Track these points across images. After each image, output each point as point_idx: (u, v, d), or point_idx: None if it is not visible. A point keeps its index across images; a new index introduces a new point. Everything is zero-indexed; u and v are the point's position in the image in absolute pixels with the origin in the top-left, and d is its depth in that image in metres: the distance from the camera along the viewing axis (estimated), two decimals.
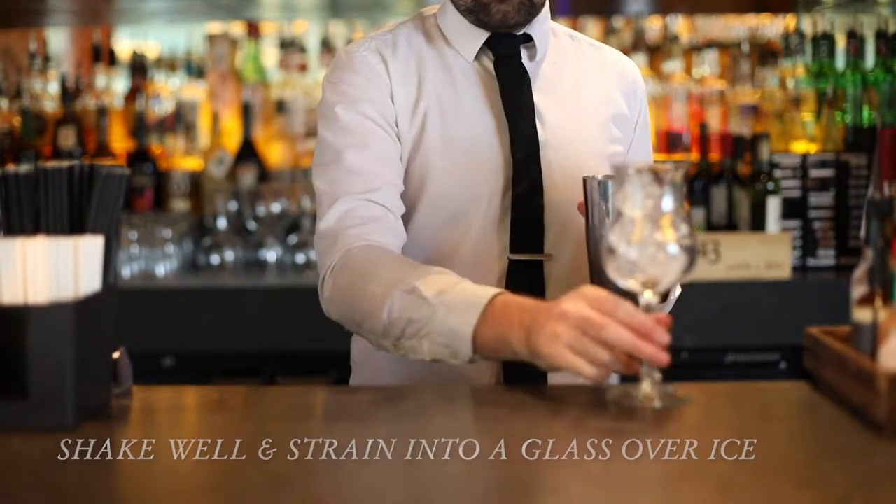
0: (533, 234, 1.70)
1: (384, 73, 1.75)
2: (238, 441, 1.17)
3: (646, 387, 1.31)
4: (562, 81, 1.82)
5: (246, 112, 3.59)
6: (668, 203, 1.30)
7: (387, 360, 1.68)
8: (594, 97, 1.84)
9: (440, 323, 1.45)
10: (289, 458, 1.11)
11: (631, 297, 1.34)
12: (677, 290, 1.78)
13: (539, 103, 1.77)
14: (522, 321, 1.39)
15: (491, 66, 1.78)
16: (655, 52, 3.83)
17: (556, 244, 1.73)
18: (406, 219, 1.71)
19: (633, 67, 1.92)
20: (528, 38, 1.79)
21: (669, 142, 3.72)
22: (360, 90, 1.73)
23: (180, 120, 3.70)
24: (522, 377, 1.59)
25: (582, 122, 1.80)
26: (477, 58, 1.78)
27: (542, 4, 1.78)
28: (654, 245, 1.29)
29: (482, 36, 1.77)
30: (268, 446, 1.16)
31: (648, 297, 1.33)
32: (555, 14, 3.66)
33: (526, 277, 1.70)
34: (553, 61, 1.83)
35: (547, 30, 1.84)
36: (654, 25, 3.86)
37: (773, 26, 3.81)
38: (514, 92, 1.75)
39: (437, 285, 1.48)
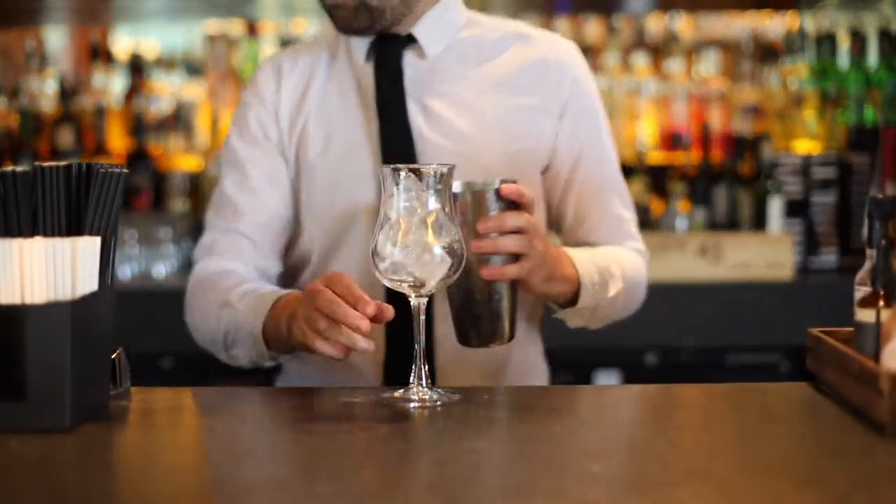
0: None
1: (274, 91, 1.81)
2: (237, 442, 1.17)
3: (417, 388, 1.33)
4: (464, 81, 1.78)
5: None
6: (432, 204, 1.30)
7: (302, 363, 1.76)
8: (500, 93, 1.78)
9: (241, 328, 1.62)
10: (288, 458, 1.10)
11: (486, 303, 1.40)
12: (616, 287, 1.72)
13: (431, 105, 1.75)
14: (287, 310, 1.51)
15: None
16: (656, 52, 3.82)
17: None
18: (297, 231, 1.79)
19: (560, 55, 1.82)
20: (413, 39, 1.77)
21: (671, 142, 3.72)
22: (252, 110, 1.82)
23: (179, 119, 3.69)
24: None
25: (481, 123, 1.76)
26: (368, 61, 1.78)
27: (383, 8, 1.71)
28: (419, 246, 1.29)
29: (367, 39, 1.77)
30: (267, 447, 1.15)
31: (415, 301, 1.34)
32: (555, 11, 3.66)
33: None
34: (459, 59, 1.79)
35: (446, 26, 1.79)
36: (655, 25, 3.86)
37: (775, 25, 3.80)
38: (386, 96, 1.74)
39: (242, 294, 1.65)
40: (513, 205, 1.48)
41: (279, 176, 1.80)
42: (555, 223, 1.85)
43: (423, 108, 1.75)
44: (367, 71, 1.78)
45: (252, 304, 1.63)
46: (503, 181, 1.50)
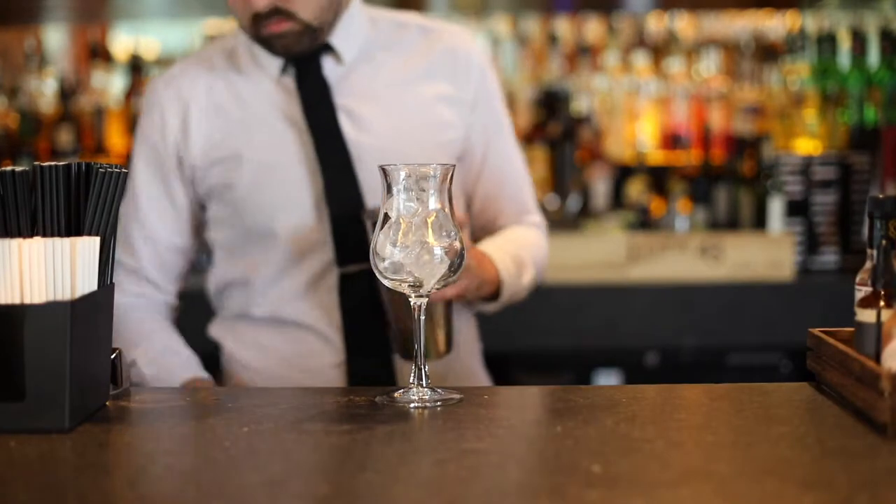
0: (359, 245, 1.70)
1: (176, 111, 1.78)
2: (237, 442, 1.17)
3: (417, 389, 1.34)
4: (380, 78, 1.79)
5: None
6: (432, 204, 1.30)
7: (248, 359, 1.81)
8: (415, 86, 1.80)
9: (145, 377, 1.70)
10: (288, 458, 1.10)
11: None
12: (529, 273, 1.78)
13: (353, 108, 1.76)
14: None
15: (294, 83, 1.77)
16: (657, 51, 3.82)
17: None
18: (233, 246, 1.80)
19: (466, 46, 1.85)
20: (330, 47, 1.77)
21: (671, 142, 3.72)
22: (151, 136, 1.80)
23: None
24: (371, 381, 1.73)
25: (403, 116, 1.78)
26: (285, 71, 1.77)
27: (325, 22, 1.71)
28: (418, 246, 1.29)
29: (281, 56, 1.76)
30: (266, 447, 1.15)
31: (415, 301, 1.34)
32: (556, 10, 3.66)
33: (359, 288, 1.72)
34: (370, 58, 1.80)
35: (356, 30, 1.80)
36: (655, 24, 3.85)
37: (775, 25, 3.80)
38: (314, 107, 1.74)
39: (149, 356, 1.72)
40: None
41: (175, 202, 1.81)
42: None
43: (347, 113, 1.76)
44: (285, 84, 1.77)
45: (157, 375, 1.71)
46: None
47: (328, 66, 1.77)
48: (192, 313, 1.91)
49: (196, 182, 1.80)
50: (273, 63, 1.77)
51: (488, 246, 1.75)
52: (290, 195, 1.74)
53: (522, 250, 1.80)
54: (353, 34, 1.79)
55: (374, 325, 1.72)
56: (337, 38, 1.77)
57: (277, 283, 1.77)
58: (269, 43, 1.71)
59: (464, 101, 1.83)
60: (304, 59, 1.76)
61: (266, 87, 1.78)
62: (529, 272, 1.79)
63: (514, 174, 1.90)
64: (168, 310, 1.86)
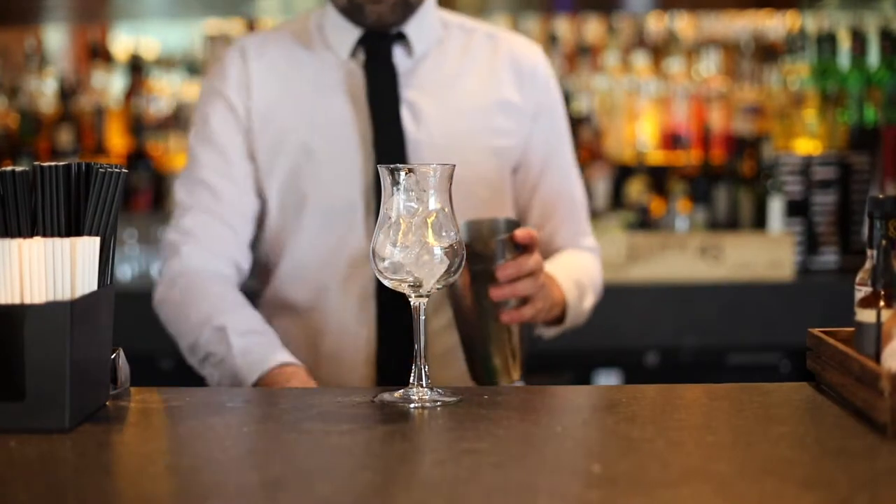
0: None
1: (243, 81, 1.77)
2: (237, 442, 1.16)
3: (417, 389, 1.33)
4: (444, 76, 1.79)
5: None
6: (433, 204, 1.30)
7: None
8: (477, 89, 1.80)
9: (231, 366, 1.62)
10: (288, 458, 1.10)
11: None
12: (590, 299, 1.78)
13: (416, 101, 1.76)
14: (283, 384, 1.56)
15: (363, 65, 1.77)
16: (657, 51, 3.82)
17: None
18: (283, 223, 1.76)
19: (532, 56, 1.85)
20: (403, 36, 1.77)
21: (671, 142, 3.71)
22: (221, 101, 1.77)
23: (179, 119, 3.69)
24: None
25: (463, 117, 1.78)
26: (354, 56, 1.77)
27: (420, 2, 1.75)
28: (418, 246, 1.29)
29: (355, 34, 1.76)
30: (266, 447, 1.15)
31: (415, 301, 1.34)
32: (556, 10, 3.66)
33: None
34: (438, 56, 1.80)
35: (429, 25, 1.80)
36: (655, 24, 3.85)
37: (775, 25, 3.80)
38: (380, 94, 1.74)
39: (240, 329, 1.64)
40: (517, 245, 1.52)
41: (251, 168, 1.77)
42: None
43: (409, 105, 1.75)
44: (352, 67, 1.77)
45: (243, 355, 1.62)
46: (508, 221, 1.57)
47: (397, 55, 1.78)
48: None
49: (254, 152, 1.77)
50: (343, 44, 1.77)
51: (553, 269, 1.72)
52: (339, 176, 1.73)
53: (583, 276, 1.78)
54: (426, 29, 1.80)
55: (408, 321, 1.70)
56: (411, 29, 1.77)
57: (315, 270, 1.75)
58: (361, 9, 1.71)
59: (525, 110, 1.82)
60: (376, 44, 1.76)
61: (332, 67, 1.78)
62: (590, 298, 1.78)
63: (572, 193, 1.87)
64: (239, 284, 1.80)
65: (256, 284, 1.86)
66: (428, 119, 1.75)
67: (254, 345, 1.63)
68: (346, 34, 1.77)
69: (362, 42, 1.77)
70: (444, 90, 1.78)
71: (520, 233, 1.51)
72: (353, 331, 1.74)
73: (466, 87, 1.80)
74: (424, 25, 1.79)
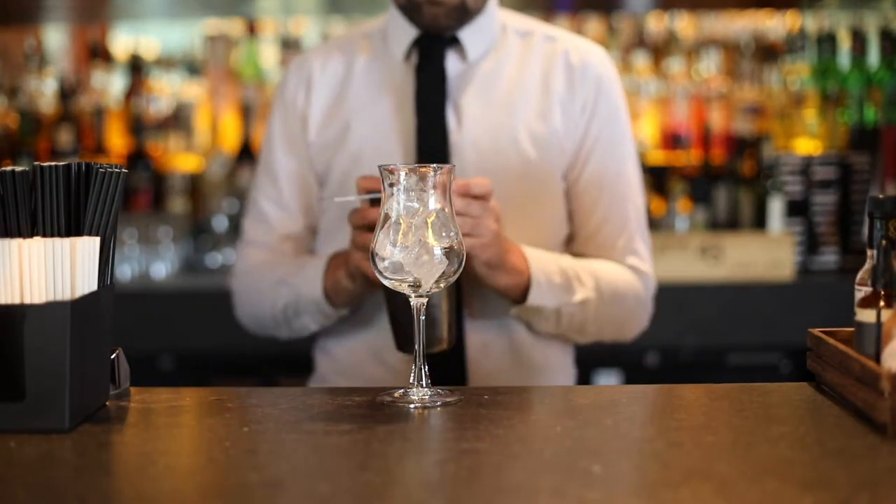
0: None
1: (304, 98, 1.82)
2: (237, 442, 1.16)
3: (417, 389, 1.33)
4: (499, 82, 1.79)
5: (245, 111, 3.58)
6: (432, 204, 1.30)
7: (343, 362, 1.82)
8: (528, 95, 1.78)
9: (302, 297, 1.75)
10: (288, 458, 1.10)
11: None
12: (584, 293, 1.71)
13: (465, 106, 1.76)
14: (340, 258, 1.69)
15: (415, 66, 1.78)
16: (657, 51, 3.82)
17: None
18: (328, 227, 1.83)
19: (588, 57, 1.81)
20: (457, 40, 1.77)
21: (671, 142, 3.71)
22: (281, 118, 1.85)
23: (179, 119, 3.69)
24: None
25: (512, 125, 1.76)
26: (408, 58, 1.78)
27: (478, 10, 1.75)
28: (418, 246, 1.29)
29: (411, 35, 1.77)
30: (266, 447, 1.15)
31: (415, 301, 1.33)
32: (556, 10, 3.66)
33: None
34: (495, 61, 1.80)
35: (487, 30, 1.80)
36: (655, 24, 3.85)
37: (775, 25, 3.80)
38: (428, 95, 1.75)
39: (293, 269, 1.78)
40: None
41: (307, 182, 1.84)
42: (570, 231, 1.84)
43: (456, 109, 1.76)
44: (404, 69, 1.78)
45: (306, 271, 1.75)
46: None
47: (451, 59, 1.78)
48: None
49: (313, 158, 1.83)
50: (400, 45, 1.79)
51: (537, 251, 1.69)
52: None
53: (586, 273, 1.71)
54: (483, 35, 1.80)
55: (456, 323, 1.70)
56: (466, 34, 1.78)
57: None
58: (419, 9, 1.71)
59: (576, 109, 1.78)
60: (429, 46, 1.77)
61: (387, 70, 1.80)
62: (586, 293, 1.70)
63: (621, 199, 1.79)
64: None
65: None
66: (472, 122, 1.76)
67: (305, 267, 1.77)
68: (403, 35, 1.78)
69: (417, 44, 1.77)
70: (493, 96, 1.78)
71: (476, 183, 1.53)
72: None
73: (516, 92, 1.78)
74: (481, 31, 1.79)
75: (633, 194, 1.83)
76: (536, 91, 1.79)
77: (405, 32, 1.78)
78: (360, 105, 1.79)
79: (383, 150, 1.75)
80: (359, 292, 1.70)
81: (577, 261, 1.74)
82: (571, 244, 1.83)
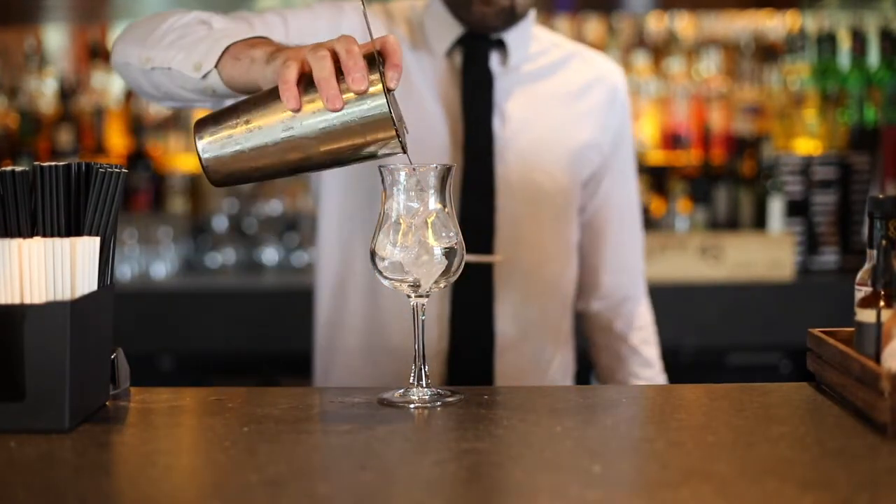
0: (482, 236, 1.71)
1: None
2: (236, 442, 1.16)
3: (417, 389, 1.33)
4: (536, 88, 1.81)
5: None
6: (432, 204, 1.30)
7: (347, 360, 1.79)
8: (568, 104, 1.82)
9: (206, 38, 1.43)
10: (288, 458, 1.10)
11: None
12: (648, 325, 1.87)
13: (507, 107, 1.77)
14: (278, 46, 1.35)
15: (459, 65, 1.78)
16: (657, 51, 3.82)
17: (508, 247, 1.73)
18: (359, 207, 1.75)
19: (618, 79, 1.89)
20: (501, 43, 1.78)
21: (671, 142, 3.71)
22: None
23: (179, 119, 3.69)
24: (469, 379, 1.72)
25: (552, 128, 1.79)
26: (449, 54, 1.78)
27: (524, 14, 1.76)
28: (418, 246, 1.29)
29: (456, 33, 1.77)
30: (266, 447, 1.15)
31: (414, 301, 1.33)
32: (556, 10, 3.66)
33: (475, 280, 1.71)
34: (531, 67, 1.82)
35: (528, 37, 1.82)
36: (655, 24, 3.85)
37: (775, 25, 3.80)
38: (475, 96, 1.75)
39: (227, 25, 1.51)
40: None
41: None
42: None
43: (500, 111, 1.77)
44: (446, 66, 1.78)
45: (236, 27, 1.50)
46: None
47: (493, 61, 1.79)
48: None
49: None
50: (442, 41, 1.77)
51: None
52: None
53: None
54: (524, 40, 1.81)
55: (483, 320, 1.71)
56: (511, 37, 1.79)
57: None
58: (468, 7, 1.71)
59: (606, 131, 1.85)
60: (474, 46, 1.77)
61: (428, 64, 1.78)
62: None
63: (623, 228, 1.91)
64: None
65: (330, 299, 1.85)
66: (516, 125, 1.77)
67: (238, 25, 1.55)
68: (447, 31, 1.77)
69: (461, 42, 1.77)
70: (533, 100, 1.80)
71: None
72: (427, 328, 1.72)
73: (556, 100, 1.82)
74: (524, 37, 1.81)
75: (632, 219, 1.95)
76: (573, 103, 1.83)
77: (449, 29, 1.77)
78: (406, 95, 1.72)
79: (427, 145, 1.73)
80: (252, 77, 1.37)
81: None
82: (581, 261, 1.90)
